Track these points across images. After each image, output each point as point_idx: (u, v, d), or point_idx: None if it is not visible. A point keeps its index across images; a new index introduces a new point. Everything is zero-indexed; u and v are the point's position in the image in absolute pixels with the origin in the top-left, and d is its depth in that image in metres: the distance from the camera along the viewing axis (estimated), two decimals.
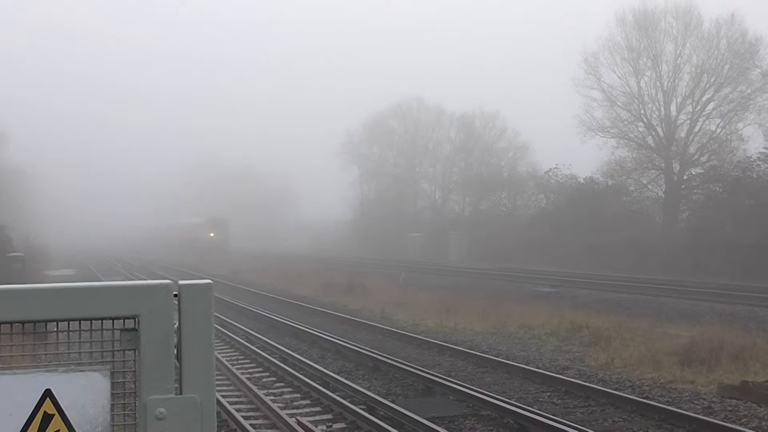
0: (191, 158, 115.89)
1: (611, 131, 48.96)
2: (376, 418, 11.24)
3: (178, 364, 1.85)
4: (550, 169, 51.43)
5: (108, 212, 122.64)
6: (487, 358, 16.18)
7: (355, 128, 78.11)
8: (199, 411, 1.83)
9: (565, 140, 53.42)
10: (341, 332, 20.55)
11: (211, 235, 76.48)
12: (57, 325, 1.82)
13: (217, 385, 13.17)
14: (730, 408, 11.78)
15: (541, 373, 14.41)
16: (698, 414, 11.22)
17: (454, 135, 71.73)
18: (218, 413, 11.41)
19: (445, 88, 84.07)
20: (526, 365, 15.29)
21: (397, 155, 75.08)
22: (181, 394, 1.84)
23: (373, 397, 12.52)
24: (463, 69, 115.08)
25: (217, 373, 14.33)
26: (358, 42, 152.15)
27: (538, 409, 11.62)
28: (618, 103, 48.54)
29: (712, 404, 12.05)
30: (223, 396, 12.94)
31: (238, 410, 12.03)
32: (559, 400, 12.63)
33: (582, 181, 48.66)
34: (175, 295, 1.87)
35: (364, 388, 13.37)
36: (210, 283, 1.90)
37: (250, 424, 11.24)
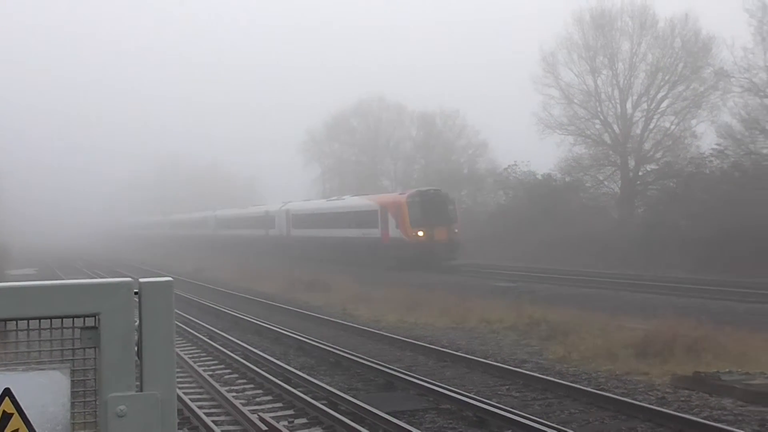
0: (160, 159, 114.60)
1: (569, 128, 49.64)
2: (338, 413, 11.35)
3: (139, 362, 1.85)
4: (509, 166, 51.98)
5: (80, 211, 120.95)
6: (447, 352, 16.36)
7: (317, 127, 78.15)
8: (160, 408, 1.83)
9: (524, 138, 53.89)
10: (303, 329, 20.61)
11: (420, 233, 38.47)
12: (16, 323, 1.81)
13: (180, 383, 13.28)
14: (683, 398, 12.06)
15: (500, 366, 14.63)
16: (652, 405, 11.48)
17: (415, 133, 72.32)
18: (180, 410, 11.45)
19: (406, 86, 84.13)
20: (486, 359, 15.49)
21: (358, 153, 75.21)
22: (141, 391, 1.84)
23: (334, 393, 12.63)
24: (423, 67, 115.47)
25: (180, 370, 14.39)
26: (321, 42, 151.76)
27: (497, 402, 11.79)
28: (575, 100, 49.22)
29: (666, 395, 12.32)
30: (185, 393, 12.94)
31: (200, 407, 12.06)
32: (518, 393, 12.83)
33: (540, 177, 49.18)
34: (136, 293, 1.87)
35: (325, 383, 13.49)
36: (170, 281, 1.91)
37: (212, 421, 11.28)
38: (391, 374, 13.98)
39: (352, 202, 45.22)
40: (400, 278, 32.86)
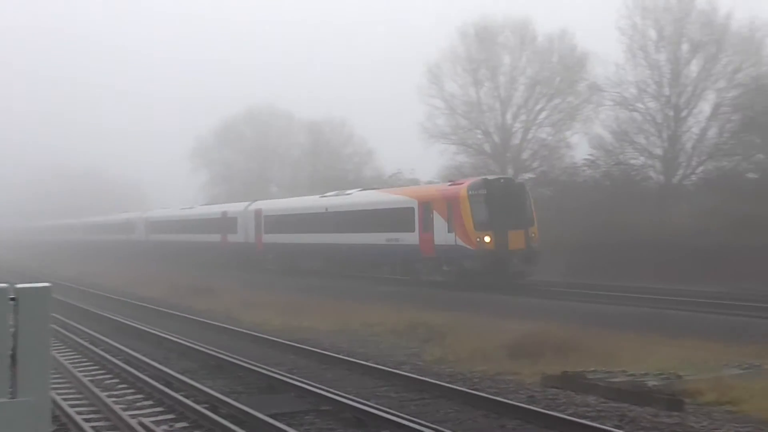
0: (44, 162, 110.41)
1: (451, 138, 50.93)
2: (219, 416, 11.46)
3: (12, 368, 1.83)
4: (393, 173, 52.94)
5: None
6: (328, 355, 16.66)
7: (206, 132, 77.57)
8: (33, 414, 1.82)
9: (409, 146, 54.92)
10: (187, 333, 20.55)
11: (486, 239, 28.31)
12: None
13: (58, 389, 13.18)
14: (551, 397, 12.64)
15: (379, 368, 15.00)
16: (522, 403, 11.99)
17: (304, 140, 72.82)
18: (58, 416, 11.38)
19: (296, 94, 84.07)
20: (366, 361, 15.84)
21: (247, 160, 75.19)
22: (14, 398, 1.82)
23: (215, 396, 12.73)
24: (313, 76, 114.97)
25: (58, 376, 14.23)
26: (211, 48, 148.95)
27: (375, 403, 12.07)
28: (458, 111, 50.56)
29: (535, 394, 12.88)
30: (63, 399, 12.80)
31: (78, 413, 11.97)
32: (396, 394, 13.18)
33: (423, 185, 50.17)
34: (12, 299, 1.85)
35: (207, 387, 13.55)
36: (48, 286, 1.92)
37: (91, 427, 11.23)
38: (273, 377, 14.19)
39: (370, 197, 34.69)
40: (282, 282, 33.03)
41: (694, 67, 40.34)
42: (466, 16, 51.20)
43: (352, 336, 19.89)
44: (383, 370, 14.86)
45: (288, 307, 24.74)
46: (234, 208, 46.78)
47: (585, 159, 42.29)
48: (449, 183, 31.53)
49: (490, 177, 30.95)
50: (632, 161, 40.56)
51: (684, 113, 40.36)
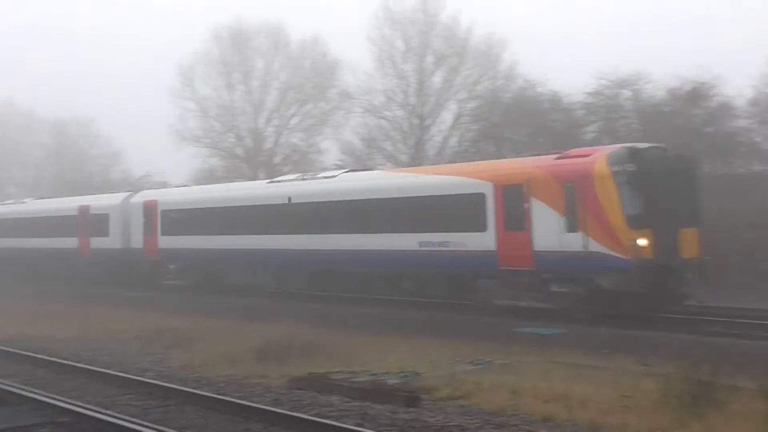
0: None
1: (204, 141, 50.55)
2: None
3: None
4: (142, 176, 51.81)
5: None
6: (68, 364, 16.04)
7: None
8: None
9: (161, 148, 53.68)
10: None
11: (642, 242, 17.91)
12: None
13: None
14: (296, 398, 12.85)
15: (121, 376, 14.61)
16: (267, 406, 12.11)
17: (48, 140, 69.43)
18: None
19: (39, 92, 79.10)
20: (108, 369, 15.39)
21: None
22: None
23: None
24: (57, 74, 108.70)
25: None
26: None
27: (117, 413, 11.76)
28: (210, 114, 50.22)
29: (281, 396, 13.05)
30: None
31: None
32: (139, 402, 12.88)
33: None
34: None
35: None
36: None
37: None
38: (4, 389, 13.40)
39: (384, 180, 24.78)
40: (23, 288, 31.21)
41: (437, 78, 42.72)
42: (221, 19, 50.85)
43: (95, 343, 19.23)
44: (126, 377, 14.49)
45: (25, 314, 23.54)
46: (102, 201, 35.75)
47: (335, 164, 43.40)
48: (556, 155, 20.40)
49: (639, 145, 19.99)
50: (380, 167, 42.16)
51: (428, 122, 42.58)
